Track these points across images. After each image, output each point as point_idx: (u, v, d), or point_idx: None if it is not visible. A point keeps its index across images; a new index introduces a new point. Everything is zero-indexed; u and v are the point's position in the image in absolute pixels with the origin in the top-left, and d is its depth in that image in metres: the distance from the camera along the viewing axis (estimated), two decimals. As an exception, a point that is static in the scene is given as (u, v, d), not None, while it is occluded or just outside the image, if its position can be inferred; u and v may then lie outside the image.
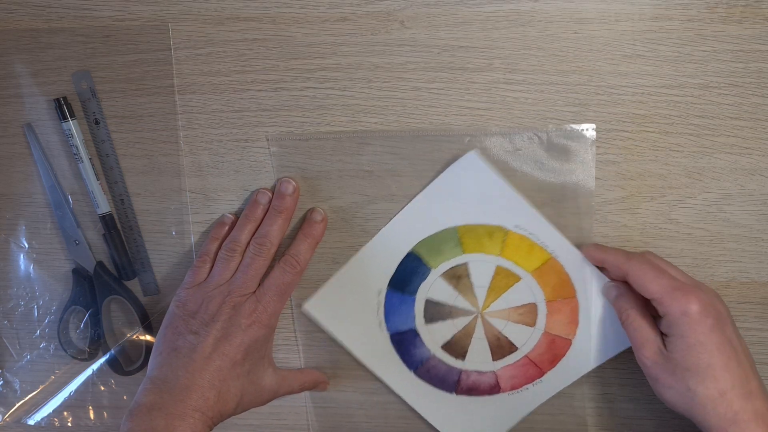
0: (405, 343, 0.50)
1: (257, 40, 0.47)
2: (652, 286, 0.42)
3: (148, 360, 0.49)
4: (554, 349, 0.49)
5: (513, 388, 0.50)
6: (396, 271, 0.49)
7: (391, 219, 0.48)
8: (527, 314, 0.49)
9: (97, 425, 0.54)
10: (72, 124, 0.48)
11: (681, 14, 0.44)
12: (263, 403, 0.48)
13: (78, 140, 0.48)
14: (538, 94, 0.46)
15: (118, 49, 0.48)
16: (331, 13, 0.46)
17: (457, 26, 0.46)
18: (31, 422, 0.54)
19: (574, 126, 0.46)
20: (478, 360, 0.50)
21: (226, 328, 0.44)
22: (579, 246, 0.47)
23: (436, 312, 0.49)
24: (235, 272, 0.46)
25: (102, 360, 0.52)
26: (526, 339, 0.49)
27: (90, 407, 0.54)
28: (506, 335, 0.49)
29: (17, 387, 0.53)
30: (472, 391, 0.51)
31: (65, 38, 0.48)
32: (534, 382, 0.50)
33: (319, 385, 0.51)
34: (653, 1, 0.44)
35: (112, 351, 0.51)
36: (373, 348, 0.50)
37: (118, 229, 0.50)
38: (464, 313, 0.49)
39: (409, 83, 0.47)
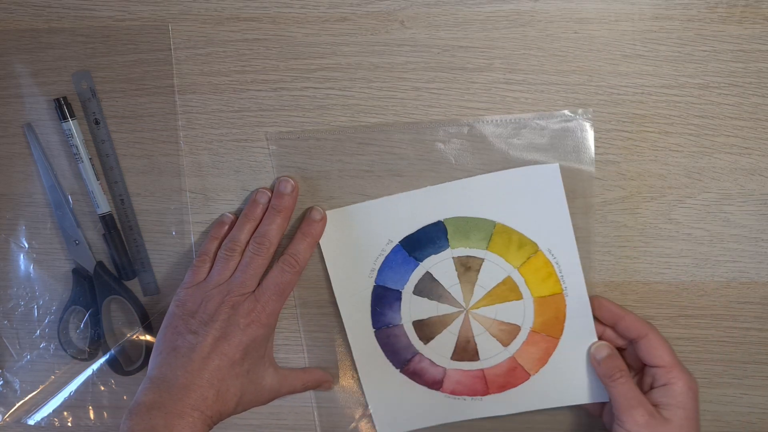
0: (383, 299, 0.49)
1: (257, 40, 0.47)
2: (666, 355, 0.45)
3: (148, 360, 0.49)
4: (511, 377, 0.49)
5: (452, 392, 0.50)
6: (417, 231, 0.48)
7: (441, 184, 0.47)
8: (507, 333, 0.49)
9: (97, 425, 0.54)
10: (72, 124, 0.48)
11: (681, 14, 0.44)
12: (264, 403, 0.48)
13: (78, 140, 0.48)
14: (538, 94, 0.46)
15: (118, 49, 0.48)
16: (331, 13, 0.46)
17: (457, 26, 0.46)
18: (31, 422, 0.54)
19: (568, 112, 0.46)
20: (437, 351, 0.50)
21: (224, 328, 0.44)
22: (593, 296, 0.48)
23: (429, 288, 0.49)
24: (234, 272, 0.46)
25: (102, 360, 0.52)
26: (491, 355, 0.49)
27: (90, 407, 0.54)
28: (477, 342, 0.49)
29: (17, 387, 0.53)
30: (416, 376, 0.50)
31: (65, 38, 0.48)
32: (473, 397, 0.50)
33: (323, 384, 0.51)
34: (653, 0, 0.44)
35: (112, 351, 0.51)
36: (352, 289, 0.49)
37: (118, 229, 0.50)
38: (453, 302, 0.49)
39: (409, 83, 0.47)
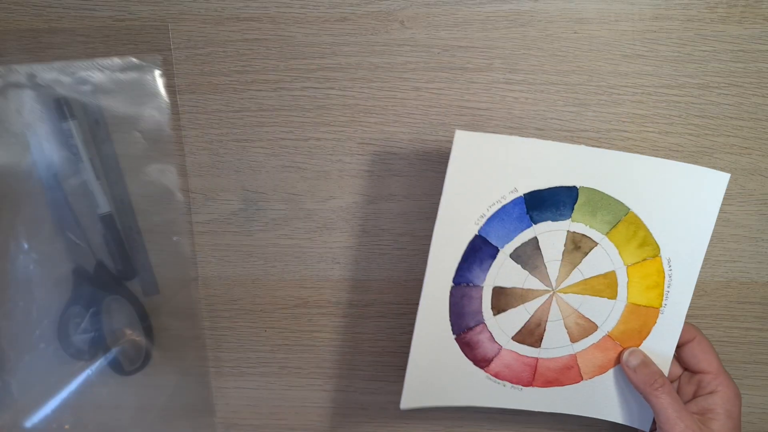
0: (478, 253, 0.44)
1: (257, 40, 0.47)
2: (714, 360, 0.43)
3: (148, 360, 0.49)
4: (562, 374, 0.46)
5: (496, 375, 0.46)
6: (547, 189, 0.43)
7: (596, 147, 0.43)
8: (581, 329, 0.45)
9: (98, 426, 0.54)
10: (72, 124, 0.48)
11: (681, 14, 0.44)
12: None
13: (78, 140, 0.48)
14: (538, 94, 0.46)
15: (118, 49, 0.48)
16: (331, 13, 0.46)
17: (457, 26, 0.46)
18: (28, 425, 0.53)
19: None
20: (503, 327, 0.45)
21: None
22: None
23: (528, 255, 0.44)
24: None
25: (102, 360, 0.52)
26: (553, 346, 0.45)
27: (90, 408, 0.54)
28: (547, 328, 0.45)
29: (14, 389, 0.53)
30: (468, 348, 0.46)
31: (65, 38, 0.48)
32: (514, 385, 0.46)
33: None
34: (653, 1, 0.44)
35: (113, 351, 0.51)
36: (450, 233, 0.43)
37: (117, 229, 0.50)
38: (544, 279, 0.44)
39: (409, 83, 0.47)
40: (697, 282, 0.48)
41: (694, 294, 0.49)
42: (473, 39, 0.46)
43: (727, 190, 0.47)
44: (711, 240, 0.48)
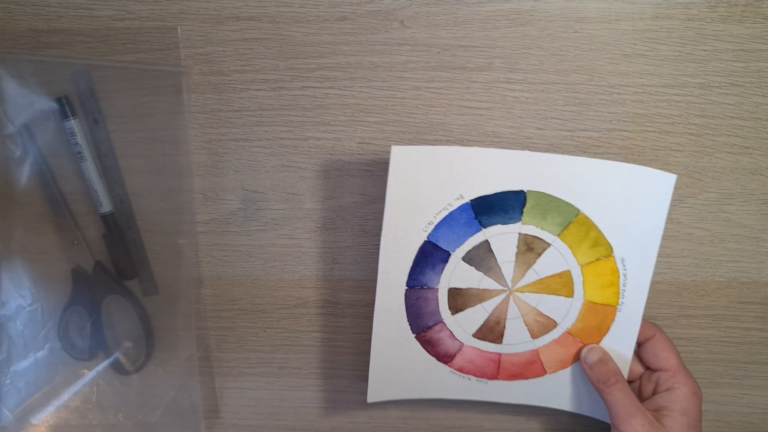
0: (429, 258, 0.45)
1: (257, 40, 0.47)
2: (673, 357, 0.43)
3: (148, 360, 0.49)
4: (526, 369, 0.47)
5: (460, 369, 0.47)
6: (494, 194, 0.43)
7: (540, 152, 0.43)
8: (541, 326, 0.46)
9: (100, 425, 0.54)
10: (74, 123, 0.48)
11: (681, 13, 0.44)
12: None
13: (81, 138, 0.48)
14: (539, 94, 0.46)
15: (118, 49, 0.48)
16: (330, 12, 0.46)
17: (457, 25, 0.45)
18: (35, 421, 0.53)
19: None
20: (462, 325, 0.47)
21: None
22: None
23: (481, 258, 0.45)
24: None
25: (102, 360, 0.52)
26: (515, 342, 0.47)
27: (92, 407, 0.54)
28: (507, 325, 0.46)
29: (22, 386, 0.53)
30: (429, 345, 0.47)
31: (65, 38, 0.48)
32: (479, 379, 0.48)
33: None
34: (653, 0, 0.44)
35: (113, 351, 0.51)
36: (399, 240, 0.45)
37: (118, 229, 0.50)
38: (500, 279, 0.46)
39: (409, 83, 0.47)
40: (699, 282, 0.48)
41: (695, 294, 0.49)
42: (473, 38, 0.46)
43: (728, 189, 0.47)
44: (712, 240, 0.48)
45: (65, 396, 0.53)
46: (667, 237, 0.48)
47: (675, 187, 0.47)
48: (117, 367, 0.52)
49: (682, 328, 0.49)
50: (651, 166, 0.46)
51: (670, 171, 0.46)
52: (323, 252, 0.50)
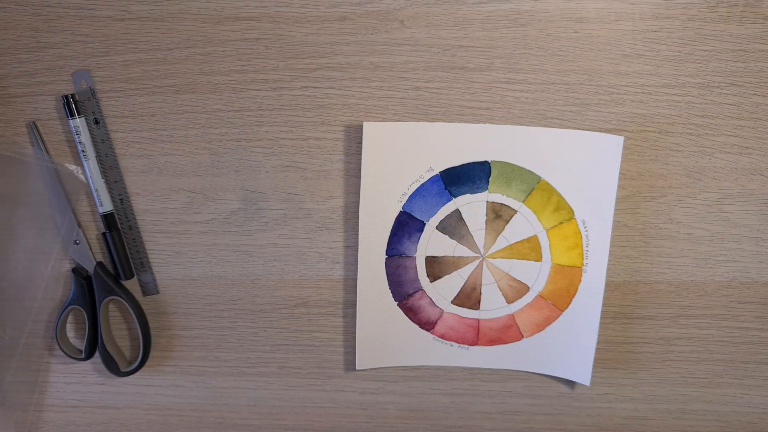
0: (405, 228, 0.49)
1: (257, 40, 0.47)
2: None
3: (145, 361, 0.49)
4: (504, 333, 0.50)
5: (442, 336, 0.50)
6: (461, 165, 0.47)
7: (499, 125, 0.47)
8: (514, 290, 0.49)
9: (98, 426, 0.54)
10: (79, 122, 0.48)
11: (681, 13, 0.44)
12: None
13: (85, 137, 0.48)
14: (539, 94, 0.46)
15: (118, 49, 0.48)
16: (330, 12, 0.46)
17: (457, 25, 0.45)
18: (33, 424, 0.53)
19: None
20: (441, 292, 0.49)
21: None
22: None
23: (453, 226, 0.48)
24: None
25: (99, 360, 0.52)
26: (492, 308, 0.49)
27: (87, 407, 0.53)
28: (482, 291, 0.49)
29: (18, 387, 0.53)
30: (411, 312, 0.50)
31: (65, 38, 0.48)
32: (461, 345, 0.50)
33: None
34: (653, 0, 0.44)
35: (111, 352, 0.51)
36: (376, 211, 0.48)
37: (118, 228, 0.50)
38: (472, 246, 0.49)
39: (409, 83, 0.47)
40: (698, 282, 0.48)
41: (694, 294, 0.49)
42: (473, 38, 0.46)
43: (727, 189, 0.47)
44: (711, 240, 0.48)
45: (60, 395, 0.53)
46: (667, 237, 0.48)
47: (675, 188, 0.47)
48: (113, 368, 0.52)
49: (682, 328, 0.49)
50: (651, 166, 0.47)
51: (669, 171, 0.47)
52: (323, 252, 0.50)
